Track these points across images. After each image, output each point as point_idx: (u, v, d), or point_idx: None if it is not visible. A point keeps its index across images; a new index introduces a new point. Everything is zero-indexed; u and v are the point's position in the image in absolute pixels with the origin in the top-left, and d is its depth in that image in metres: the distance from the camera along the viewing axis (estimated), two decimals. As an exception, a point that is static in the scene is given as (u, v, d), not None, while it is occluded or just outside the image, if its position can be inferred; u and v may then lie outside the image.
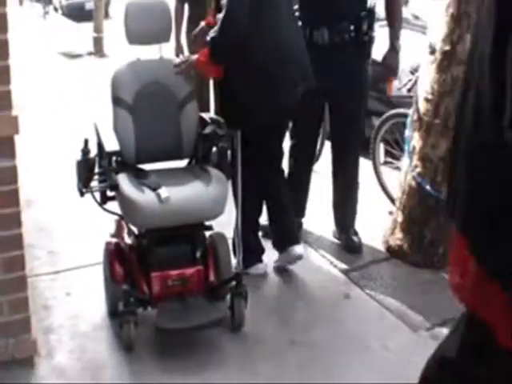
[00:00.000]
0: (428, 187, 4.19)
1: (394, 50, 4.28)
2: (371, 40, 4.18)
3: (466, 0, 3.96)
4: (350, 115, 4.28)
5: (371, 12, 4.13)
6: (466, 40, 3.98)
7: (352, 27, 4.06)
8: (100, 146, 3.55)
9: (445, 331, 3.56)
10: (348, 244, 4.47)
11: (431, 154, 4.19)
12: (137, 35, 3.66)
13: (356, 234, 4.52)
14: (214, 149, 3.64)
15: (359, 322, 3.69)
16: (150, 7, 3.71)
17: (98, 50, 13.00)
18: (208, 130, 3.62)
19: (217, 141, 3.59)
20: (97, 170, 3.51)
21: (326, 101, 4.33)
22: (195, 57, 3.72)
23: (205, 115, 3.81)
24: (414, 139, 4.25)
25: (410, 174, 4.27)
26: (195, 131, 3.69)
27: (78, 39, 14.27)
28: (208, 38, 3.63)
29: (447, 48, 4.01)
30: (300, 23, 4.03)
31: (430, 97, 4.12)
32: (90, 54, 13.01)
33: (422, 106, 4.18)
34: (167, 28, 3.69)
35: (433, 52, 4.09)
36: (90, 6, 17.24)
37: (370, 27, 4.12)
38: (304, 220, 4.64)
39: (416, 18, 7.90)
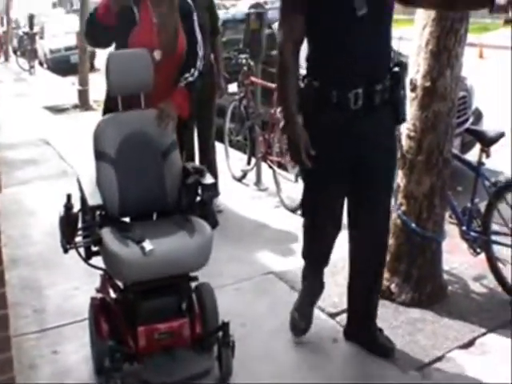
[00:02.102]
0: (413, 225, 4.20)
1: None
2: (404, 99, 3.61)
3: (445, 36, 4.02)
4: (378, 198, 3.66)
5: (403, 66, 3.52)
6: (447, 76, 4.05)
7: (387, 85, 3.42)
8: (83, 200, 3.55)
9: (435, 370, 3.56)
10: (376, 345, 3.74)
11: (415, 191, 4.21)
12: (118, 86, 3.69)
13: (381, 330, 3.83)
14: (198, 198, 3.64)
15: (347, 365, 3.66)
16: (131, 58, 3.75)
17: (84, 103, 13.05)
18: (191, 179, 3.63)
19: (200, 190, 3.60)
20: (80, 225, 3.50)
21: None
22: (173, 104, 3.77)
23: (188, 165, 3.82)
24: (398, 177, 4.27)
25: (395, 213, 4.28)
26: (179, 181, 3.70)
27: (64, 93, 14.36)
28: (184, 82, 3.86)
29: (428, 84, 4.07)
30: (314, 81, 3.42)
31: (412, 134, 4.17)
32: (75, 107, 13.05)
33: (405, 144, 4.21)
34: (148, 78, 3.72)
35: (414, 89, 4.15)
36: (75, 58, 17.39)
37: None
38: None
39: (399, 54, 7.99)
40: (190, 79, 3.99)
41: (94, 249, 3.52)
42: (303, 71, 3.51)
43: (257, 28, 6.26)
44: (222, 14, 12.66)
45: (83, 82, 13.20)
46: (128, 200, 3.60)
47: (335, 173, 3.49)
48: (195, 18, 4.14)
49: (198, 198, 3.62)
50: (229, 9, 34.82)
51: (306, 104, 3.41)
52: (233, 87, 7.08)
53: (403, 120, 3.62)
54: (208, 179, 3.60)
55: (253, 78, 6.59)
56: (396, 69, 3.43)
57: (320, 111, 3.40)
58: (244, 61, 6.73)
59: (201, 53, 4.10)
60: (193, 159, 5.90)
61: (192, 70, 4.02)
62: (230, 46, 8.39)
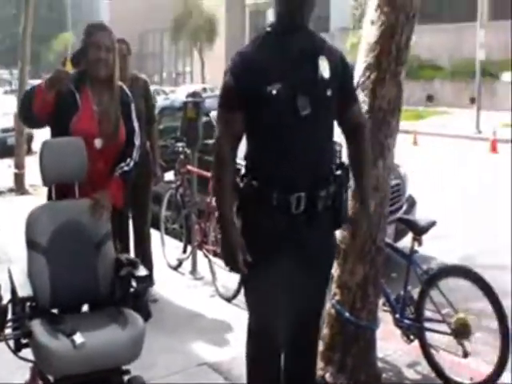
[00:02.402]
0: (347, 314, 4.23)
1: (364, 208, 3.55)
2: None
3: (378, 128, 4.15)
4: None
5: (346, 169, 3.37)
6: (379, 167, 4.15)
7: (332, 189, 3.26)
8: (13, 291, 3.49)
9: None
10: None
11: (349, 281, 4.25)
12: (52, 174, 3.69)
13: None
14: (132, 290, 3.61)
15: None
16: (65, 146, 3.77)
17: (20, 186, 12.89)
18: (124, 271, 3.62)
19: (134, 282, 3.58)
20: (10, 316, 3.43)
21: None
22: (108, 194, 3.78)
23: (121, 256, 3.81)
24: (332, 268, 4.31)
25: (329, 303, 4.30)
26: (112, 273, 3.68)
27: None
28: (119, 172, 3.92)
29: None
30: (254, 181, 3.20)
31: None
32: (10, 190, 12.89)
33: (339, 234, 4.26)
34: (83, 167, 3.73)
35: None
36: (11, 140, 17.26)
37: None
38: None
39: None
40: (126, 169, 4.03)
41: (24, 341, 3.45)
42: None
43: (193, 117, 6.35)
44: (160, 101, 12.89)
45: (19, 165, 13.06)
46: (60, 291, 3.57)
47: (275, 278, 3.20)
48: (133, 108, 4.20)
49: (132, 290, 3.60)
50: (168, 94, 35.38)
51: (244, 204, 3.23)
52: (169, 175, 7.13)
53: (344, 222, 3.48)
54: (141, 271, 3.59)
55: (189, 167, 6.66)
56: (339, 172, 3.28)
57: (259, 213, 3.19)
58: (181, 149, 6.81)
59: (137, 143, 4.15)
60: (128, 247, 5.87)
61: (128, 159, 4.06)
62: (167, 133, 8.47)
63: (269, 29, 3.23)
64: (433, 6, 37.51)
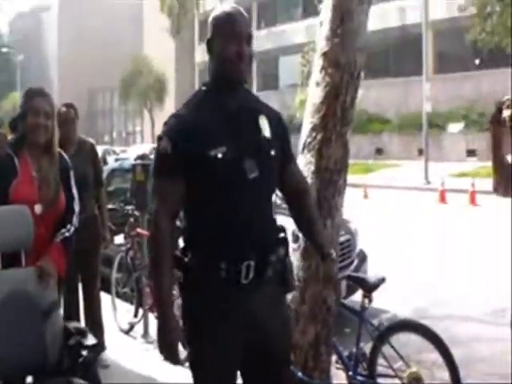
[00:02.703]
0: (300, 374, 4.22)
1: (327, 257, 3.34)
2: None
3: (325, 187, 4.20)
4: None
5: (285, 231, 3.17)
6: (328, 226, 4.19)
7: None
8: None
9: None
10: None
11: (301, 340, 4.25)
12: None
13: None
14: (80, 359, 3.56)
15: None
16: (10, 214, 3.74)
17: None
18: (73, 340, 3.57)
19: (82, 351, 3.54)
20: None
21: None
22: (51, 261, 3.75)
23: (69, 324, 3.76)
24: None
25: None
26: (60, 342, 3.62)
27: None
28: (60, 238, 3.86)
29: (309, 235, 4.18)
30: (197, 253, 2.93)
31: (295, 284, 4.23)
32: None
33: (290, 295, 4.26)
34: (29, 235, 3.70)
35: (296, 240, 4.25)
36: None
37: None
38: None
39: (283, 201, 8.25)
40: (67, 235, 4.00)
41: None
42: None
43: (142, 179, 6.35)
44: (110, 161, 12.89)
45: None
46: (4, 362, 3.49)
47: (225, 357, 2.94)
48: (72, 174, 4.19)
49: (81, 359, 3.55)
50: (119, 154, 35.31)
51: (188, 281, 2.94)
52: (120, 238, 7.09)
53: (292, 288, 3.24)
54: (90, 340, 3.55)
55: (139, 230, 6.64)
56: (282, 234, 3.09)
57: (206, 288, 2.90)
58: (130, 212, 6.79)
59: (77, 209, 4.14)
60: (77, 312, 5.80)
61: (68, 225, 4.03)
62: (118, 195, 8.47)
63: (204, 88, 3.04)
64: (380, 61, 38.48)
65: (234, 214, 2.89)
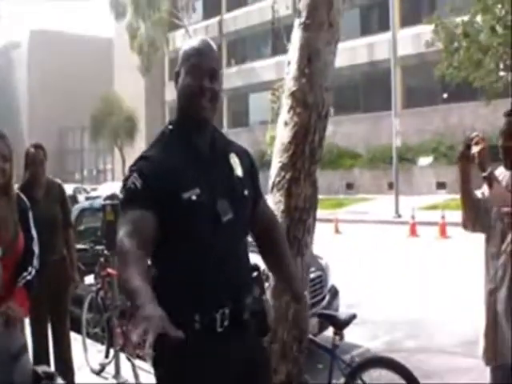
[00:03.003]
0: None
1: (299, 298, 3.25)
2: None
3: (295, 226, 4.22)
4: None
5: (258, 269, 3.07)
6: (298, 265, 4.20)
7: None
8: None
9: None
10: None
11: (273, 379, 4.23)
12: None
13: None
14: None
15: None
16: None
17: None
18: (41, 386, 3.53)
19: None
20: None
21: None
22: (16, 305, 3.71)
23: (38, 368, 3.71)
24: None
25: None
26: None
27: None
28: (23, 282, 3.81)
29: (280, 275, 4.19)
30: (168, 304, 2.47)
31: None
32: None
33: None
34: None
35: (267, 279, 4.25)
36: None
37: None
38: None
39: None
40: (29, 278, 3.96)
41: None
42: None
43: (112, 219, 6.33)
44: (81, 200, 12.83)
45: None
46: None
47: None
48: (30, 215, 4.16)
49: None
50: (89, 193, 35.14)
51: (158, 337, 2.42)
52: (90, 278, 7.05)
53: (269, 330, 3.02)
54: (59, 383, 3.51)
55: (109, 270, 6.60)
56: (255, 273, 2.97)
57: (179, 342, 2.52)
58: (101, 252, 6.76)
59: (37, 250, 4.10)
60: (47, 354, 5.74)
61: (29, 268, 3.99)
62: (88, 234, 8.43)
63: (171, 127, 2.86)
64: (349, 97, 38.95)
65: (207, 259, 2.70)
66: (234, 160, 2.93)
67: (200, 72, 2.79)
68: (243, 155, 3.02)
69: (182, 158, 2.77)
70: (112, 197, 6.71)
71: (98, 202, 8.88)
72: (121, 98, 55.17)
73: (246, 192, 2.91)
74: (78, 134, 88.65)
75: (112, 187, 12.14)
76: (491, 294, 3.72)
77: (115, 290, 6.54)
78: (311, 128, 4.37)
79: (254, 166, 3.10)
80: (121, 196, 2.75)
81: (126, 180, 2.73)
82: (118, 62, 64.27)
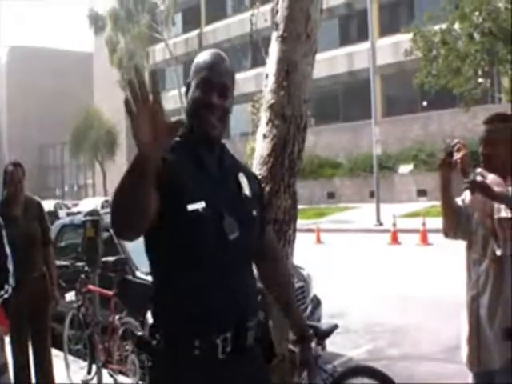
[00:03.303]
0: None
1: (305, 340, 3.04)
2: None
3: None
4: None
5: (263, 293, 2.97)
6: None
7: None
8: None
9: None
10: None
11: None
12: None
13: None
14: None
15: None
16: None
17: None
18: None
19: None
20: None
21: None
22: None
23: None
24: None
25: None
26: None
27: None
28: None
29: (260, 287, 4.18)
30: (166, 331, 2.51)
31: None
32: None
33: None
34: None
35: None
36: None
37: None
38: None
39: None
40: (6, 296, 3.95)
41: None
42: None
43: (92, 236, 6.31)
44: (62, 216, 12.80)
45: None
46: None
47: None
48: (4, 233, 4.15)
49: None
50: (70, 209, 35.03)
51: (156, 362, 2.57)
52: (71, 295, 7.02)
53: (275, 356, 2.81)
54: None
55: (90, 286, 6.57)
56: (259, 297, 2.80)
57: (177, 369, 2.50)
58: (81, 268, 6.74)
59: (11, 268, 4.09)
60: (28, 372, 5.70)
61: (6, 286, 3.98)
62: (69, 250, 8.40)
63: (178, 139, 2.62)
64: (329, 106, 39.12)
65: (209, 278, 2.52)
66: (243, 180, 2.77)
67: (209, 87, 2.63)
68: (252, 178, 2.88)
69: (189, 170, 2.59)
70: (92, 213, 6.70)
71: (79, 218, 8.87)
72: (101, 113, 55.10)
73: (254, 213, 2.73)
74: (58, 150, 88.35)
75: (93, 202, 12.11)
76: (474, 300, 3.74)
77: (96, 306, 6.52)
78: (290, 140, 4.37)
79: (262, 192, 2.97)
80: None
81: None
82: (97, 76, 64.26)
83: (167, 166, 2.43)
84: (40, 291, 5.68)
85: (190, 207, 2.48)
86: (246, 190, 2.75)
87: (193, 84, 2.67)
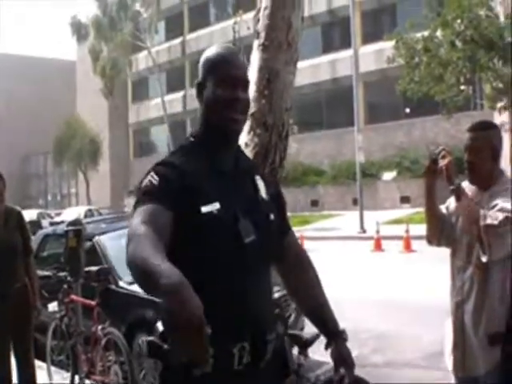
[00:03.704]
0: None
1: (341, 339, 2.80)
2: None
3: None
4: None
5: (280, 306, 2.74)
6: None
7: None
8: None
9: None
10: None
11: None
12: None
13: None
14: None
15: None
16: None
17: None
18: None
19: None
20: None
21: None
22: None
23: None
24: None
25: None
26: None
27: None
28: None
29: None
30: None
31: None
32: None
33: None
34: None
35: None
36: None
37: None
38: None
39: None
40: None
41: None
42: None
43: (74, 245, 6.28)
44: (45, 225, 12.75)
45: None
46: None
47: None
48: None
49: None
50: (53, 218, 34.86)
51: (167, 370, 2.42)
52: (54, 305, 6.98)
53: (291, 373, 2.74)
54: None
55: (73, 296, 6.54)
56: (277, 310, 2.74)
57: (189, 379, 2.30)
58: (64, 278, 6.71)
59: None
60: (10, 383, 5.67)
61: None
62: (51, 261, 8.38)
63: (192, 139, 2.57)
64: (313, 114, 39.24)
65: (225, 283, 2.39)
66: (260, 182, 2.64)
67: (232, 82, 2.49)
68: (269, 181, 2.74)
69: (203, 170, 2.47)
70: (74, 223, 6.68)
71: (62, 228, 8.82)
72: (84, 121, 54.94)
73: (271, 216, 2.60)
74: (41, 159, 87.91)
75: (76, 211, 12.06)
76: (458, 307, 3.75)
77: (79, 316, 6.49)
78: (272, 149, 4.38)
79: (281, 197, 2.81)
80: (136, 195, 2.44)
81: (140, 183, 2.43)
82: (80, 84, 64.05)
83: (178, 171, 2.39)
84: (22, 302, 5.64)
85: (205, 209, 2.38)
86: (263, 193, 2.62)
87: (211, 81, 2.51)
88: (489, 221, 3.46)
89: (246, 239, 2.43)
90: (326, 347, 2.68)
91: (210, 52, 2.58)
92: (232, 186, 2.50)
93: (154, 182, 2.35)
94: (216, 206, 2.39)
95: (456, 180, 3.60)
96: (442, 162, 3.62)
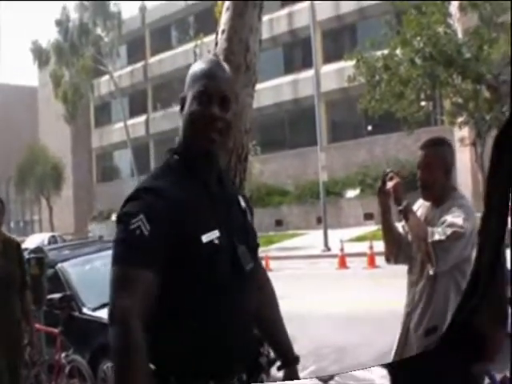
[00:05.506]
0: None
1: (294, 362, 2.78)
2: None
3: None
4: None
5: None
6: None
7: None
8: None
9: None
10: None
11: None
12: None
13: None
14: None
15: None
16: None
17: None
18: None
19: None
20: None
21: None
22: None
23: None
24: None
25: None
26: None
27: None
28: None
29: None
30: (175, 374, 2.23)
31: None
32: None
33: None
34: None
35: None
36: None
37: None
38: None
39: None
40: None
41: None
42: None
43: (37, 273, 6.23)
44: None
45: None
46: None
47: None
48: None
49: None
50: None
51: None
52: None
53: None
54: None
55: (37, 325, 6.45)
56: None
57: None
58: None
59: None
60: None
61: None
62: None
63: (177, 156, 2.41)
64: (275, 134, 39.36)
65: (225, 315, 2.27)
66: (243, 204, 2.53)
67: (209, 98, 2.35)
68: (247, 201, 2.61)
69: (193, 193, 2.32)
70: (36, 250, 6.62)
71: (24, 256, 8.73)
72: (46, 147, 54.44)
73: (257, 240, 2.53)
74: (3, 185, 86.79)
75: (39, 238, 11.99)
76: (408, 315, 3.86)
77: (42, 345, 6.42)
78: (231, 171, 4.40)
79: (252, 214, 2.65)
80: (115, 242, 2.22)
81: (127, 216, 2.21)
82: (42, 110, 63.53)
83: (170, 202, 2.23)
84: (16, 339, 5.52)
85: (205, 238, 2.25)
86: (248, 216, 2.53)
87: (189, 95, 2.39)
88: (436, 237, 3.54)
89: (246, 267, 2.33)
90: (279, 368, 2.69)
91: (195, 65, 2.51)
92: (224, 210, 2.38)
93: (144, 229, 2.15)
94: (216, 233, 2.28)
95: (404, 200, 3.67)
96: (390, 184, 3.70)
